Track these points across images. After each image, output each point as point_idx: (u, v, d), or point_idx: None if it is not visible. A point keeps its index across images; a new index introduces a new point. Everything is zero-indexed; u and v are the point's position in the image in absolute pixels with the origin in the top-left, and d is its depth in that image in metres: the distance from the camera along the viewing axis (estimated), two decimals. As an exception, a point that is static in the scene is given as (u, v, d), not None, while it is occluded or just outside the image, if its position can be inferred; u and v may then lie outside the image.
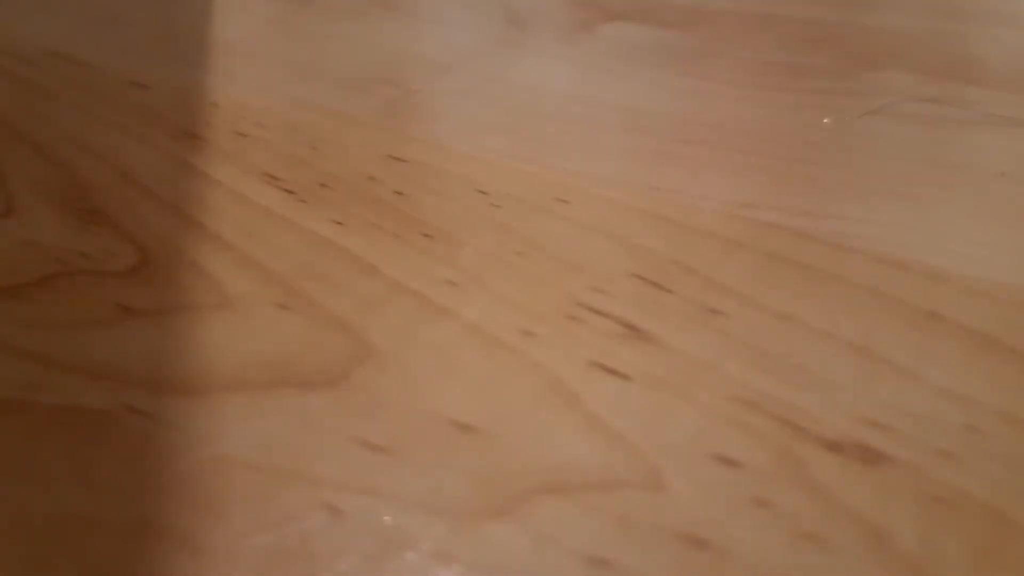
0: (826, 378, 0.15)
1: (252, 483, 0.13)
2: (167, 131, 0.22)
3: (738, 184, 0.20)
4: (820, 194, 0.20)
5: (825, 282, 0.17)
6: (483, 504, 0.13)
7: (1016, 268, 0.17)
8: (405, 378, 0.15)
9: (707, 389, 0.15)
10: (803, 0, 0.30)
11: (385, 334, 0.16)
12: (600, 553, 0.12)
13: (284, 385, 0.15)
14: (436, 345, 0.16)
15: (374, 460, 0.14)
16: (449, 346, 0.16)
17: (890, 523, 0.13)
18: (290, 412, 0.14)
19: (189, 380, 0.15)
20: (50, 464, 0.13)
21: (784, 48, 0.27)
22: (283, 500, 0.13)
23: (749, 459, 0.14)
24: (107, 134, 0.22)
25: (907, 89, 0.24)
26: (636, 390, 0.15)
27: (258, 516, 0.13)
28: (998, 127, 0.22)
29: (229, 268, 0.17)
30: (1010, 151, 0.21)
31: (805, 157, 0.21)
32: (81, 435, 0.14)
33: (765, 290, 0.17)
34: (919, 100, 0.24)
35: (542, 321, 0.16)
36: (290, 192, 0.19)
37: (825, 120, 0.23)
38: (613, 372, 0.15)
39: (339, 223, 0.18)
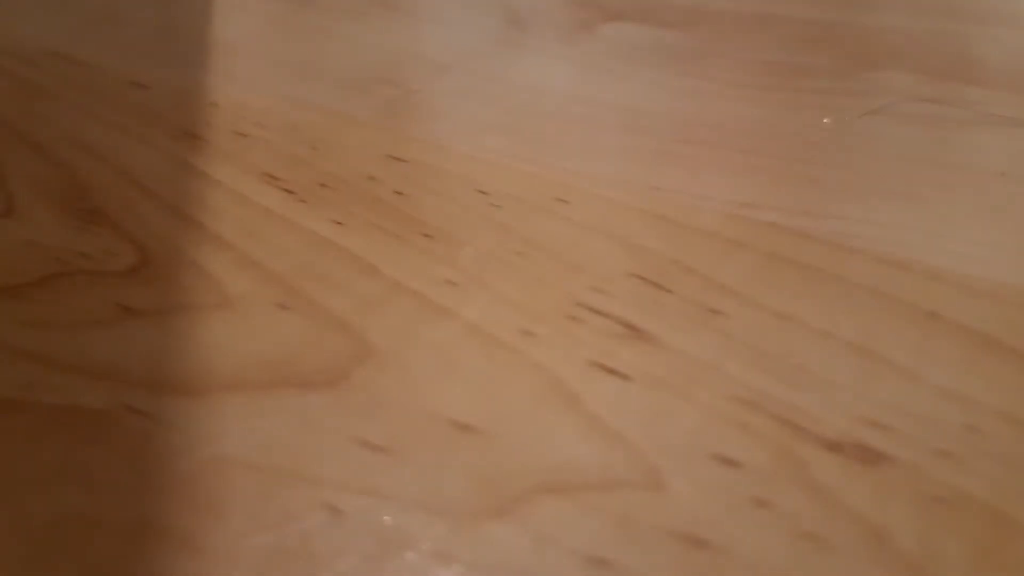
0: (826, 378, 0.15)
1: (252, 483, 0.13)
2: (167, 131, 0.22)
3: (738, 184, 0.20)
4: (820, 194, 0.20)
5: (825, 282, 0.17)
6: (483, 504, 0.13)
7: (1016, 268, 0.17)
8: (405, 378, 0.15)
9: (707, 389, 0.15)
10: (803, 0, 0.30)
11: (385, 334, 0.16)
12: (600, 553, 0.12)
13: (284, 385, 0.15)
14: (436, 345, 0.16)
15: (374, 460, 0.14)
16: (449, 346, 0.16)
17: (890, 523, 0.13)
18: (290, 412, 0.14)
19: (189, 380, 0.15)
20: (50, 464, 0.13)
21: (784, 48, 0.27)
22: (283, 500, 0.13)
23: (749, 459, 0.14)
24: (107, 134, 0.22)
25: (907, 89, 0.24)
26: (636, 390, 0.15)
27: (258, 516, 0.13)
28: (998, 127, 0.22)
29: (229, 268, 0.17)
30: (1010, 151, 0.21)
31: (805, 157, 0.21)
32: (81, 435, 0.14)
33: (765, 290, 0.17)
34: (919, 100, 0.24)
35: (542, 321, 0.16)
36: (290, 192, 0.19)
37: (825, 120, 0.23)
38: (613, 372, 0.15)
39: (339, 223, 0.18)
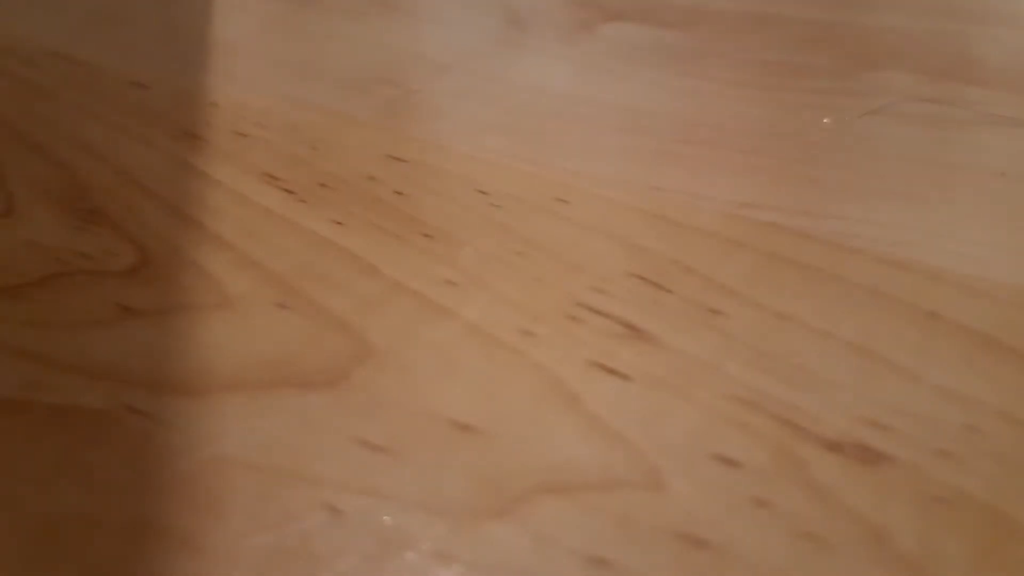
0: (826, 378, 0.15)
1: (252, 483, 0.13)
2: (167, 131, 0.22)
3: (738, 184, 0.20)
4: (820, 194, 0.20)
5: (825, 282, 0.17)
6: (483, 504, 0.13)
7: (1016, 268, 0.17)
8: (405, 378, 0.15)
9: (707, 389, 0.15)
10: (803, 0, 0.30)
11: (385, 334, 0.16)
12: (600, 553, 0.12)
13: (284, 385, 0.15)
14: (436, 345, 0.16)
15: (374, 460, 0.14)
16: (449, 346, 0.16)
17: (890, 523, 0.13)
18: (290, 412, 0.14)
19: (189, 380, 0.15)
20: (50, 464, 0.13)
21: (784, 48, 0.27)
22: (283, 500, 0.13)
23: (749, 459, 0.14)
24: (107, 134, 0.22)
25: (907, 89, 0.24)
26: (636, 390, 0.15)
27: (258, 516, 0.13)
28: (998, 127, 0.22)
29: (229, 268, 0.17)
30: (1010, 151, 0.21)
31: (805, 157, 0.21)
32: (81, 435, 0.14)
33: (765, 290, 0.17)
34: (919, 100, 0.24)
35: (542, 321, 0.16)
36: (290, 192, 0.19)
37: (825, 120, 0.23)
38: (613, 372, 0.15)
39: (339, 223, 0.18)
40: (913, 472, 0.13)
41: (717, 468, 0.13)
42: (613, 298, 0.17)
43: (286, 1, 0.29)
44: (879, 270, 0.17)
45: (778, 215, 0.19)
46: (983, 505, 0.13)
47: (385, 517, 0.13)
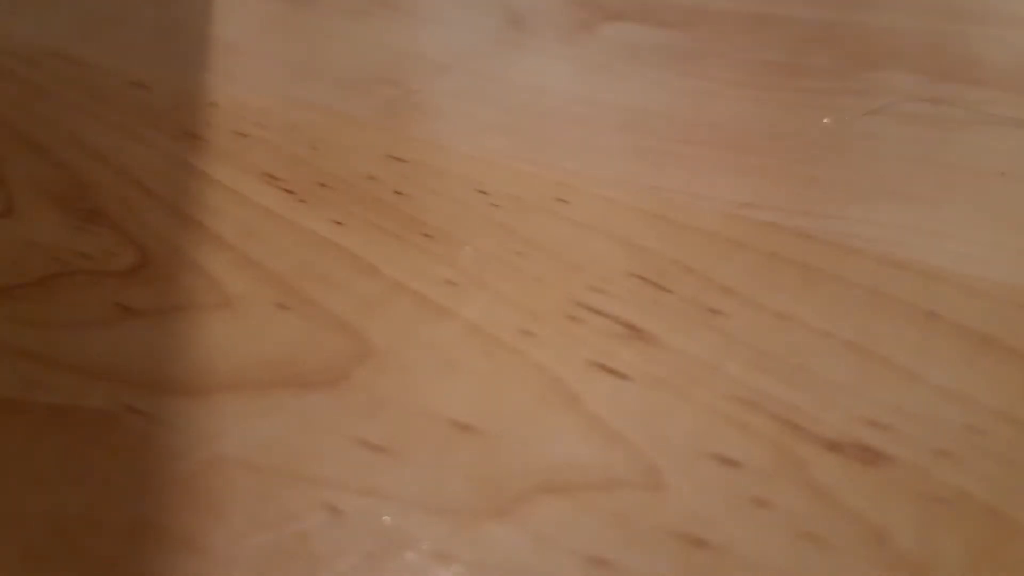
0: (826, 378, 0.15)
1: (252, 483, 0.13)
2: (167, 131, 0.22)
3: (738, 184, 0.20)
4: (820, 194, 0.20)
5: (825, 282, 0.17)
6: (483, 504, 0.13)
7: (1016, 268, 0.17)
8: (405, 378, 0.15)
9: (707, 389, 0.15)
10: (803, 0, 0.30)
11: (385, 334, 0.16)
12: (600, 553, 0.12)
13: (284, 385, 0.15)
14: (436, 345, 0.16)
15: (374, 460, 0.14)
16: (449, 346, 0.16)
17: (890, 523, 0.13)
18: (290, 412, 0.14)
19: (189, 380, 0.15)
20: (50, 464, 0.13)
21: (784, 48, 0.27)
22: (283, 500, 0.13)
23: (749, 459, 0.14)
24: (107, 134, 0.22)
25: (907, 89, 0.24)
26: (636, 390, 0.15)
27: (258, 516, 0.13)
28: (998, 127, 0.22)
29: (229, 268, 0.17)
30: (1010, 151, 0.21)
31: (805, 157, 0.21)
32: (81, 435, 0.14)
33: (765, 290, 0.17)
34: (919, 100, 0.24)
35: (542, 321, 0.16)
36: (290, 192, 0.19)
37: (825, 120, 0.23)
38: (613, 372, 0.15)
39: (339, 223, 0.18)
40: (913, 472, 0.13)
41: (717, 468, 0.13)
42: (613, 298, 0.17)
43: (286, 1, 0.29)
44: (879, 270, 0.17)
45: (778, 215, 0.19)
46: (983, 505, 0.13)
47: (385, 517, 0.13)
